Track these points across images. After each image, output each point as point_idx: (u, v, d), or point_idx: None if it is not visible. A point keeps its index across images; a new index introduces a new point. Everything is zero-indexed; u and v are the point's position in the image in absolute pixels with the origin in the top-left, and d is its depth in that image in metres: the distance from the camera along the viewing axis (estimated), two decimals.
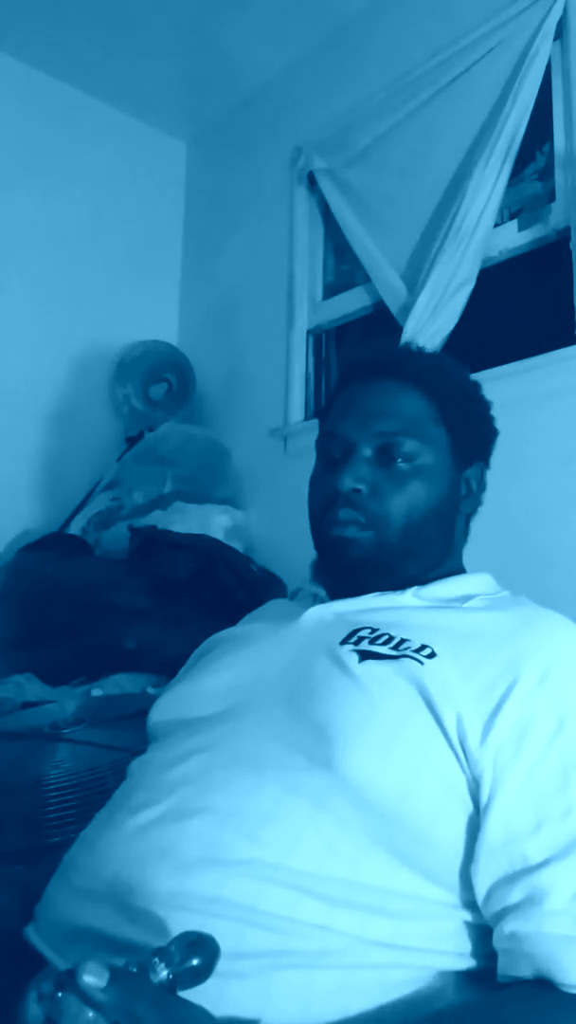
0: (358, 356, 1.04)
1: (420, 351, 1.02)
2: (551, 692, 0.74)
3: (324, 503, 0.92)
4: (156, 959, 0.53)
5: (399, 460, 0.90)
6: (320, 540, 0.95)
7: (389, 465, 0.90)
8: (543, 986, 0.64)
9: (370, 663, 0.79)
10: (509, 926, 0.66)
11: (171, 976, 0.53)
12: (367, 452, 0.91)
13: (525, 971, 0.65)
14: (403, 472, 0.90)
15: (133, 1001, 0.50)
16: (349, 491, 0.89)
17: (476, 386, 1.01)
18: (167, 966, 0.53)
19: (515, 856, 0.68)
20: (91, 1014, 0.49)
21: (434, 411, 0.93)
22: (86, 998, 0.49)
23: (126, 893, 0.68)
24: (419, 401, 0.93)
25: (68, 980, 0.50)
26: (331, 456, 0.95)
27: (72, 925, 0.71)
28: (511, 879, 0.67)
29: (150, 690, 1.55)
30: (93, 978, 0.49)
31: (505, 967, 0.66)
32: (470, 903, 0.71)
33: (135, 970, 0.52)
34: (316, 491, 0.96)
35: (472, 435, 0.97)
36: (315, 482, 0.97)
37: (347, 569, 0.91)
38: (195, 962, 0.53)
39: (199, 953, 0.54)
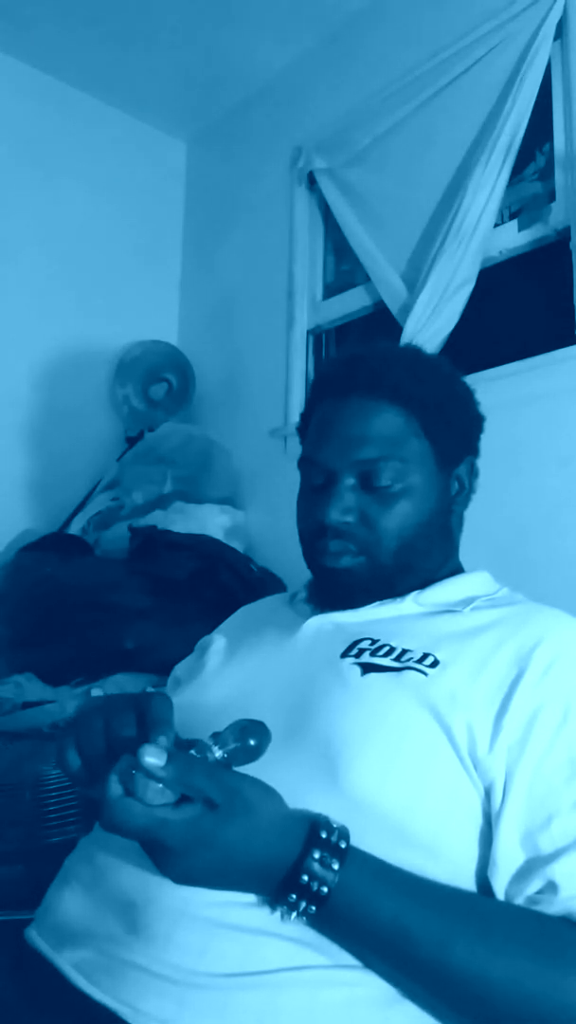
0: (330, 368, 1.00)
1: (391, 356, 0.97)
2: (555, 684, 0.74)
3: (314, 533, 0.91)
4: (210, 741, 0.63)
5: (383, 485, 0.88)
6: (314, 568, 0.94)
7: (374, 491, 0.89)
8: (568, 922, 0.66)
9: (372, 676, 0.79)
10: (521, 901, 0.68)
11: (225, 755, 0.63)
12: (350, 481, 0.89)
13: (551, 910, 0.66)
14: (390, 495, 0.88)
15: (189, 774, 0.60)
16: (338, 524, 0.88)
17: (454, 381, 0.97)
18: (221, 747, 0.63)
19: (529, 852, 0.68)
20: (159, 785, 0.59)
21: (414, 424, 0.90)
22: (150, 774, 0.58)
23: (129, 907, 0.68)
24: (396, 417, 0.90)
25: (137, 761, 0.59)
26: (314, 482, 0.93)
27: (74, 931, 0.71)
28: (526, 874, 0.68)
29: (150, 690, 1.55)
30: (153, 759, 0.59)
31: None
32: None
33: (193, 752, 0.62)
34: (304, 519, 0.94)
35: (457, 437, 0.95)
36: (302, 507, 0.95)
37: (344, 595, 0.90)
38: (251, 742, 0.63)
39: (250, 735, 0.63)
